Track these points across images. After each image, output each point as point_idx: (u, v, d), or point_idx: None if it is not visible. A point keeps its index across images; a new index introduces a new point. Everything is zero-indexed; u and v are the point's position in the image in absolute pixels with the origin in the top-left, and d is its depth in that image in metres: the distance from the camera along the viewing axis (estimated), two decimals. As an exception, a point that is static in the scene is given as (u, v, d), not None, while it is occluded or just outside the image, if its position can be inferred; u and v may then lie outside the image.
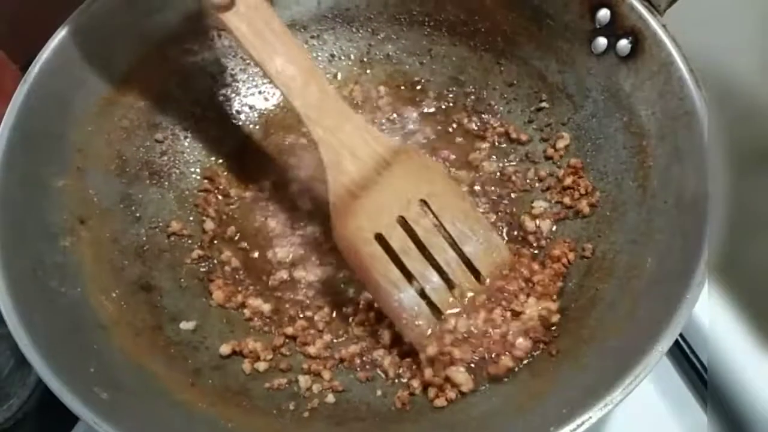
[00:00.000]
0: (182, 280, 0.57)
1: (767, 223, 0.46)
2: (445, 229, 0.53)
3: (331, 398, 0.52)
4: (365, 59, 0.68)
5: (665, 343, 0.41)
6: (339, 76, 0.68)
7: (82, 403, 0.41)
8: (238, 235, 0.61)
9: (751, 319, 0.54)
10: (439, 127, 0.66)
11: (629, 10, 0.54)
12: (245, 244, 0.60)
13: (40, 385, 0.53)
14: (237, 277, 0.59)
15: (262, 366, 0.53)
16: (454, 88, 0.66)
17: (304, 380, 0.52)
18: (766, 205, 0.47)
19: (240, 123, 0.66)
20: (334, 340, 0.55)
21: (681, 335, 0.59)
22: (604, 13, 0.56)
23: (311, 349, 0.54)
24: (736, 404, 0.53)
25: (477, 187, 0.62)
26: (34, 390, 0.53)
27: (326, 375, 0.53)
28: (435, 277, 0.52)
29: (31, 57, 0.52)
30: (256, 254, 0.60)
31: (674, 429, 0.57)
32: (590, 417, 0.39)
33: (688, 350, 0.59)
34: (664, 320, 0.42)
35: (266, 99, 0.67)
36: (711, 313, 0.52)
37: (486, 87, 0.65)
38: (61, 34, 0.53)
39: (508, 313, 0.52)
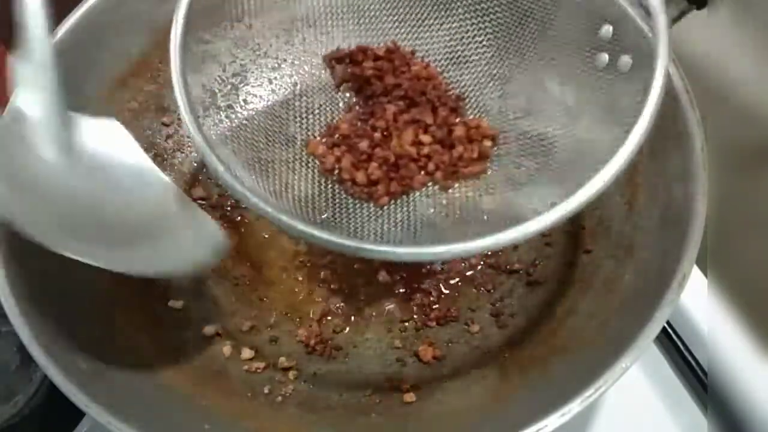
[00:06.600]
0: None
1: (766, 222, 0.47)
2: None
3: (305, 385, 0.53)
4: (373, 58, 0.68)
5: (630, 359, 0.42)
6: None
7: (63, 374, 0.42)
8: (239, 217, 0.62)
9: (750, 320, 0.53)
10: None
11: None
12: (243, 230, 0.62)
13: (45, 381, 0.53)
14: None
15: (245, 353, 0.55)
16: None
17: (280, 364, 0.54)
18: (765, 205, 0.47)
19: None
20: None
21: (680, 337, 0.59)
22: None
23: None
24: (737, 407, 0.53)
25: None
26: (39, 387, 0.54)
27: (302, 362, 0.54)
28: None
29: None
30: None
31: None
32: (546, 425, 0.40)
33: (687, 353, 0.59)
34: (632, 336, 0.43)
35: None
36: (709, 315, 0.51)
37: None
38: (76, 16, 0.55)
39: None
